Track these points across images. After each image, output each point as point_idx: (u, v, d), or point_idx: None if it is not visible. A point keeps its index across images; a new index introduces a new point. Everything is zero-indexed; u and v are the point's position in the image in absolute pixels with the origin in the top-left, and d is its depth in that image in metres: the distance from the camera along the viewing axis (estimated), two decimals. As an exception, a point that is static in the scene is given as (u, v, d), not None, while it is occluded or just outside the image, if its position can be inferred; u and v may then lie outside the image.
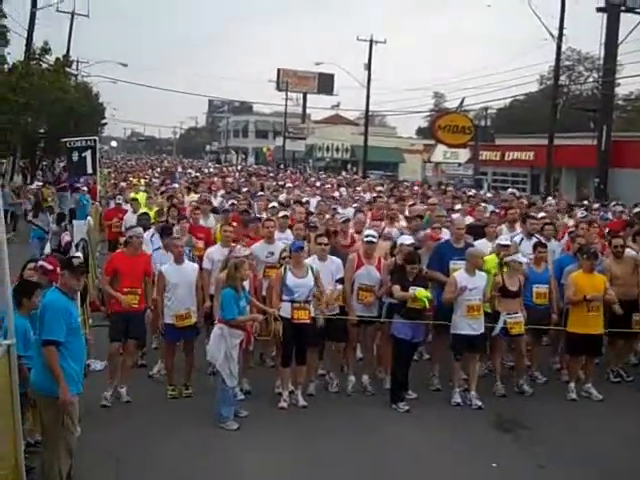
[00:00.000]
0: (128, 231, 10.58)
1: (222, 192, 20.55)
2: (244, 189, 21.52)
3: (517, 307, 10.58)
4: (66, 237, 15.90)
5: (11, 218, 25.15)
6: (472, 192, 24.91)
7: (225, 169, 43.57)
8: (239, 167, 54.96)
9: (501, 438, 9.35)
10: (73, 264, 7.39)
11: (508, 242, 11.16)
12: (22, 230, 24.35)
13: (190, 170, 39.98)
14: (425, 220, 13.20)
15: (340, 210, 14.55)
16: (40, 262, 8.87)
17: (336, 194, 19.88)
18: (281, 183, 26.76)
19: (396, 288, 10.00)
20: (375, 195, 18.68)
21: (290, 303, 9.84)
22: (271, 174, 40.38)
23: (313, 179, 32.34)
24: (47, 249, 15.22)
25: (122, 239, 12.08)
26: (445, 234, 11.83)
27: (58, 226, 17.79)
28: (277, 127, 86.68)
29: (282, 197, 18.50)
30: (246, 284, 9.63)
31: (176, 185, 23.07)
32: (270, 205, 13.66)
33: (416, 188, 26.34)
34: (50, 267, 8.57)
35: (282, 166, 66.18)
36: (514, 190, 25.79)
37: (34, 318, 7.38)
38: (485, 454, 8.73)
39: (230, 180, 27.73)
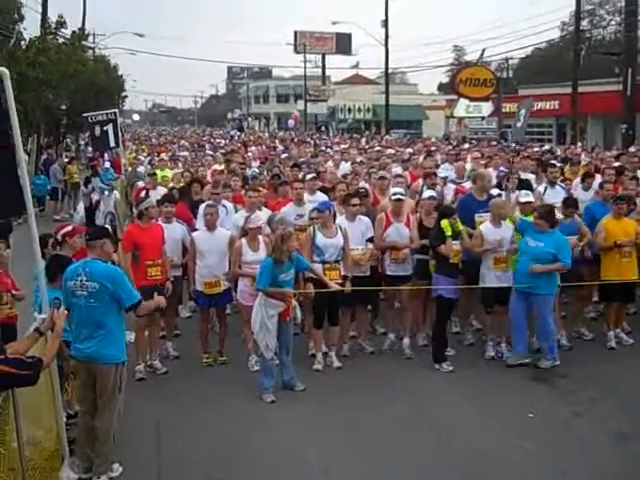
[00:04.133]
0: (142, 203, 10.28)
1: (257, 163, 20.14)
2: (283, 155, 20.96)
3: None
4: (94, 196, 16.54)
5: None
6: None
7: (252, 137, 42.27)
8: (266, 134, 53.98)
9: (537, 388, 9.33)
10: (111, 232, 7.53)
11: (529, 198, 10.75)
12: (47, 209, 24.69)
13: (220, 140, 38.97)
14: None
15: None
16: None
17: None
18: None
19: (441, 248, 9.83)
20: (411, 153, 18.41)
21: (321, 264, 9.83)
22: (309, 139, 38.81)
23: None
24: (80, 208, 15.86)
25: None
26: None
27: (86, 187, 18.23)
28: (297, 90, 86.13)
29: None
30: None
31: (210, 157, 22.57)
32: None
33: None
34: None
35: (323, 128, 65.21)
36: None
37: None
38: (522, 405, 8.72)
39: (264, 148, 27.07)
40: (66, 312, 6.54)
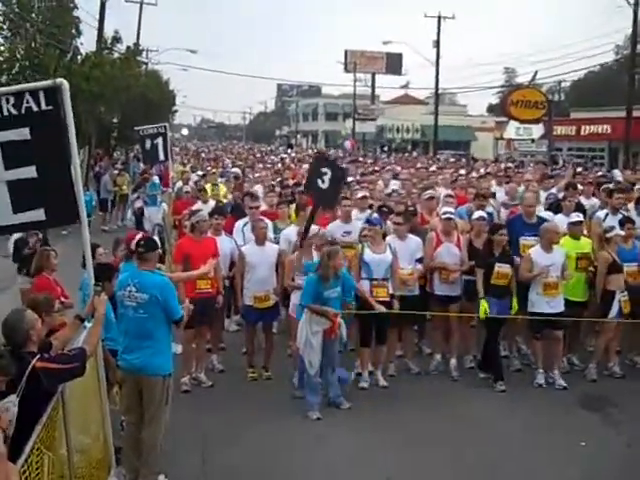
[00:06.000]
0: (194, 216, 10.42)
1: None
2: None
3: (623, 284, 10.22)
4: (137, 203, 16.87)
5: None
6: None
7: (303, 154, 41.73)
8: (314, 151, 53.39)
9: (588, 416, 9.14)
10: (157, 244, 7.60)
11: (580, 218, 10.70)
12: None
13: (273, 157, 38.45)
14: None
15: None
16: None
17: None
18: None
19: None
20: (457, 175, 18.20)
21: (369, 281, 9.76)
22: (368, 159, 37.34)
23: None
24: (129, 215, 17.98)
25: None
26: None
27: (133, 194, 18.66)
28: (346, 109, 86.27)
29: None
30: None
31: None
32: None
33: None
34: None
35: (386, 149, 64.18)
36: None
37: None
38: (573, 433, 8.53)
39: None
40: (106, 298, 6.60)
